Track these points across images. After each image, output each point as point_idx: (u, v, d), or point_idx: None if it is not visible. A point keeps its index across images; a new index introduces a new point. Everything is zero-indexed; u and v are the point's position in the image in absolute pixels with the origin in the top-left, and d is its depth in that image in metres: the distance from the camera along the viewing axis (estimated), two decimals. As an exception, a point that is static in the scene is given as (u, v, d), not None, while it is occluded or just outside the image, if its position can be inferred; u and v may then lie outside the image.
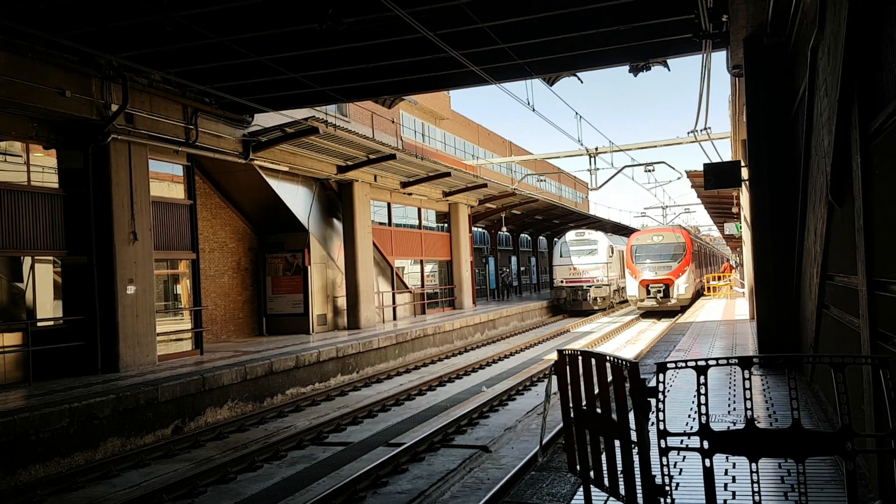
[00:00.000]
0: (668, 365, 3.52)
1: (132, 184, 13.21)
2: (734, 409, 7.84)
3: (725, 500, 4.89)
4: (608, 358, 3.86)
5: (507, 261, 40.88)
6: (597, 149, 27.57)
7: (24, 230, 11.96)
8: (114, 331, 12.75)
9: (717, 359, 3.45)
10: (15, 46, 10.93)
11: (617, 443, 3.81)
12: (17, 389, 11.01)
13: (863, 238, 4.70)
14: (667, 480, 3.47)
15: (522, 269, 43.77)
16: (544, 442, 5.10)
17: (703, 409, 3.36)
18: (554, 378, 4.44)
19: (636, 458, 3.58)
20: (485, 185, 26.71)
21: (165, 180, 14.79)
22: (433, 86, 15.75)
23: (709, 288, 36.16)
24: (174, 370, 12.59)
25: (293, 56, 12.41)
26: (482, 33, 11.51)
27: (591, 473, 4.19)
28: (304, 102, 16.08)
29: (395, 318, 23.68)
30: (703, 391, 3.39)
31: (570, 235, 34.69)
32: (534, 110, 16.63)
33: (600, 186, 28.35)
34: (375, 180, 21.54)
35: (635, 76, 13.68)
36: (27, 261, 12.34)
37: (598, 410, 4.03)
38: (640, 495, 3.60)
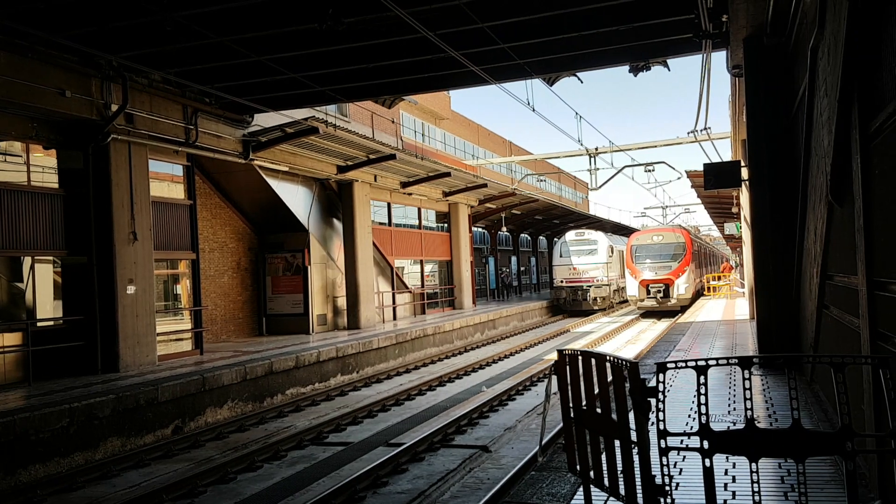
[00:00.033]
0: (668, 365, 3.52)
1: (132, 184, 13.21)
2: (734, 409, 7.84)
3: (725, 500, 4.89)
4: (608, 358, 3.86)
5: (507, 261, 40.89)
6: (597, 149, 27.57)
7: (24, 230, 11.97)
8: (114, 331, 12.75)
9: (717, 359, 3.45)
10: (15, 46, 10.93)
11: (617, 443, 3.81)
12: (17, 389, 11.01)
13: (863, 238, 4.70)
14: (667, 480, 3.47)
15: (522, 269, 43.77)
16: (544, 442, 5.10)
17: (703, 409, 3.36)
18: (554, 378, 4.44)
19: (636, 458, 3.58)
20: (485, 185, 26.72)
21: (165, 180, 14.79)
22: (433, 86, 15.75)
23: (709, 288, 36.16)
24: (174, 370, 12.59)
25: (293, 56, 12.41)
26: (482, 33, 11.51)
27: (591, 473, 4.19)
28: (304, 102, 16.08)
29: (395, 318, 23.68)
30: (703, 391, 3.39)
31: (570, 235, 34.68)
32: (534, 110, 16.64)
33: (600, 186, 28.36)
34: (375, 180, 21.54)
35: (635, 76, 13.69)
36: (27, 261, 12.34)
37: (598, 410, 4.03)
38: (640, 495, 3.60)
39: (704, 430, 3.34)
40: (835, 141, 5.33)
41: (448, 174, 23.31)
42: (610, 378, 3.86)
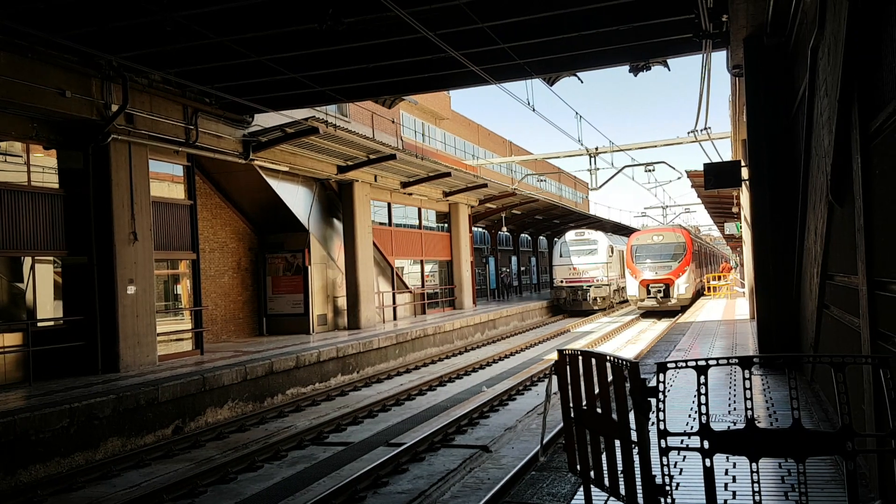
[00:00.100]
0: (669, 365, 3.52)
1: (132, 184, 13.22)
2: (734, 408, 7.84)
3: (726, 500, 4.89)
4: (608, 358, 3.86)
5: (508, 261, 40.89)
6: (597, 149, 27.57)
7: (24, 230, 11.97)
8: (114, 331, 12.76)
9: (717, 359, 3.45)
10: (15, 46, 10.94)
11: (617, 443, 3.82)
12: (17, 389, 11.01)
13: (863, 238, 4.70)
14: (667, 480, 3.47)
15: (522, 269, 43.77)
16: (545, 441, 5.10)
17: (704, 409, 3.36)
18: (554, 378, 4.44)
19: (636, 458, 3.58)
20: (485, 185, 26.72)
21: (165, 180, 14.80)
22: (433, 86, 15.75)
23: (709, 288, 36.16)
24: (174, 370, 12.59)
25: (293, 56, 12.41)
26: (482, 33, 11.51)
27: (592, 473, 4.19)
28: (304, 102, 16.08)
29: (395, 318, 23.68)
30: (703, 391, 3.39)
31: (570, 235, 34.67)
32: (534, 110, 16.63)
33: (600, 186, 28.36)
34: (375, 180, 21.54)
35: (635, 76, 13.69)
36: (27, 261, 12.34)
37: (599, 410, 4.03)
38: (640, 495, 3.60)
39: (705, 430, 3.34)
40: (835, 141, 5.33)
41: (448, 174, 23.31)
42: (610, 378, 3.86)
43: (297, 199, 19.11)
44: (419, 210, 26.19)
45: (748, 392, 3.39)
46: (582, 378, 4.18)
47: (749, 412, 3.32)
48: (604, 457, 4.04)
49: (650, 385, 3.54)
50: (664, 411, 3.44)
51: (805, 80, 7.49)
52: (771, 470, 5.48)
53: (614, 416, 3.81)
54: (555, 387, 4.41)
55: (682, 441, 3.70)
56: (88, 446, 9.67)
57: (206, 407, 11.82)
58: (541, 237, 47.38)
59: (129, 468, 9.37)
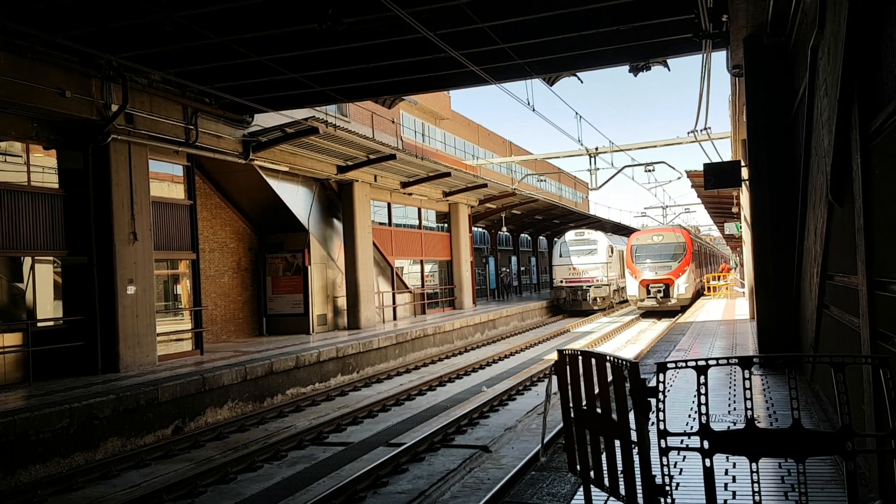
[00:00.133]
0: (669, 365, 3.52)
1: (132, 184, 13.22)
2: (734, 409, 7.84)
3: (726, 500, 4.89)
4: (608, 358, 3.86)
5: (508, 261, 40.89)
6: (597, 149, 27.57)
7: (24, 230, 11.97)
8: (114, 331, 12.75)
9: (717, 359, 3.45)
10: (15, 46, 10.94)
11: (617, 443, 3.82)
12: (17, 390, 11.01)
13: (863, 238, 4.70)
14: (667, 480, 3.47)
15: (522, 269, 43.76)
16: (545, 441, 5.10)
17: (704, 409, 3.36)
18: (554, 378, 4.44)
19: (636, 458, 3.58)
20: (485, 185, 26.72)
21: (165, 180, 14.79)
22: (433, 86, 15.75)
23: (709, 288, 36.17)
24: (174, 370, 12.59)
25: (293, 56, 12.41)
26: (482, 33, 11.51)
27: (592, 473, 4.19)
28: (304, 102, 16.08)
29: (395, 318, 23.68)
30: (703, 391, 3.39)
31: (570, 235, 34.67)
32: (534, 110, 16.63)
33: (600, 186, 28.37)
34: (375, 180, 21.54)
35: (635, 76, 13.69)
36: (27, 261, 12.34)
37: (599, 410, 4.03)
38: (640, 495, 3.60)
39: (704, 430, 3.34)
40: (835, 141, 5.33)
41: (448, 174, 23.31)
42: (610, 378, 3.86)
43: (297, 199, 19.11)
44: (419, 210, 26.19)
45: (748, 392, 3.39)
46: (582, 378, 4.18)
47: (749, 412, 3.32)
48: (604, 457, 4.04)
49: (650, 385, 3.54)
50: (664, 411, 3.44)
51: (805, 80, 7.49)
52: (771, 470, 5.48)
53: (614, 416, 3.81)
54: (555, 387, 4.41)
55: (682, 441, 3.70)
56: (88, 446, 9.67)
57: (206, 407, 11.82)
58: (541, 237, 47.38)
59: (128, 468, 9.37)
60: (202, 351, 15.13)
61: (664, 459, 3.41)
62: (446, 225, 28.37)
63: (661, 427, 3.40)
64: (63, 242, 12.66)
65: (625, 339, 23.24)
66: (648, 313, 31.48)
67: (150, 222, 13.61)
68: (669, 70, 14.16)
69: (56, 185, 12.69)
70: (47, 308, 12.68)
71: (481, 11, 10.75)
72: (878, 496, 4.61)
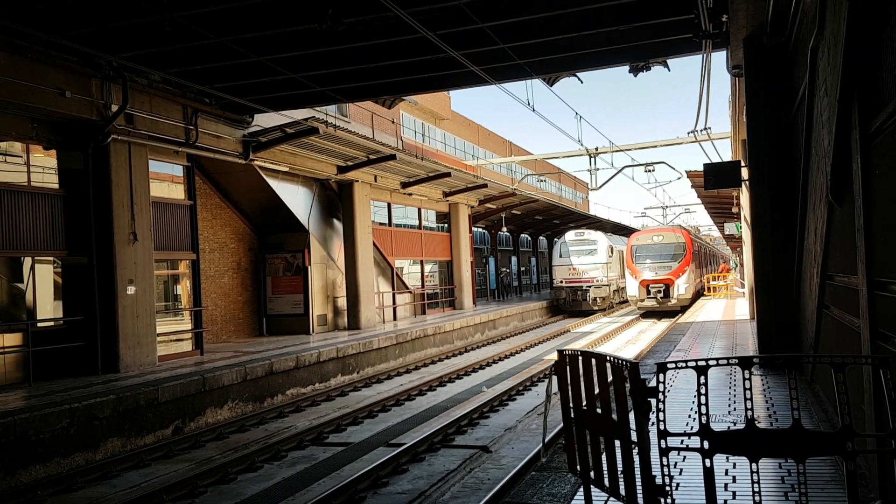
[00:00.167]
0: (669, 365, 3.52)
1: (132, 184, 13.22)
2: (734, 409, 7.84)
3: (726, 501, 4.89)
4: (608, 358, 3.86)
5: (508, 261, 40.88)
6: (597, 149, 27.58)
7: (24, 230, 11.97)
8: (114, 331, 12.75)
9: (717, 359, 3.45)
10: (15, 47, 10.94)
11: (617, 443, 3.81)
12: (17, 390, 11.01)
13: (863, 238, 4.70)
14: (667, 480, 3.46)
15: (522, 269, 43.76)
16: (545, 441, 5.10)
17: (704, 410, 3.36)
18: (554, 378, 4.44)
19: (636, 459, 3.58)
20: (485, 186, 26.72)
21: (165, 181, 14.79)
22: (433, 86, 15.75)
23: (709, 288, 36.16)
24: (174, 370, 12.59)
25: (293, 56, 12.41)
26: (482, 33, 11.51)
27: (592, 473, 4.19)
28: (304, 103, 16.08)
29: (395, 319, 23.68)
30: (703, 391, 3.39)
31: (570, 235, 34.66)
32: (534, 110, 16.63)
33: (600, 186, 28.37)
34: (375, 180, 21.54)
35: (635, 76, 13.69)
36: (27, 261, 12.34)
37: (599, 410, 4.03)
38: (640, 495, 3.60)
39: (705, 431, 3.34)
40: (835, 141, 5.33)
41: (448, 174, 23.31)
42: (610, 378, 3.86)
43: (297, 200, 19.11)
44: (419, 210, 26.19)
45: (748, 392, 3.39)
46: (582, 378, 4.18)
47: (749, 412, 3.32)
48: (604, 457, 4.03)
49: (650, 385, 3.54)
50: (664, 411, 3.44)
51: (805, 80, 7.49)
52: (771, 470, 5.48)
53: (614, 416, 3.81)
54: (555, 387, 4.41)
55: (682, 441, 3.70)
56: (88, 447, 9.67)
57: (206, 407, 11.82)
58: (541, 237, 47.38)
59: (128, 468, 9.37)
60: (202, 351, 15.13)
61: (664, 460, 3.41)
62: (446, 225, 28.37)
63: (661, 427, 3.40)
64: (63, 243, 12.66)
65: (625, 339, 23.23)
66: (648, 313, 31.48)
67: (150, 222, 13.61)
68: (669, 70, 14.17)
69: (56, 186, 12.69)
70: (47, 308, 12.68)
71: (481, 12, 10.75)
72: (879, 496, 4.61)
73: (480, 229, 36.02)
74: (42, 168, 12.57)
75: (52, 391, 10.72)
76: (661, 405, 3.44)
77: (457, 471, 8.61)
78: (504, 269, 39.71)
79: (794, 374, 3.42)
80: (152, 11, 10.10)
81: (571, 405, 4.30)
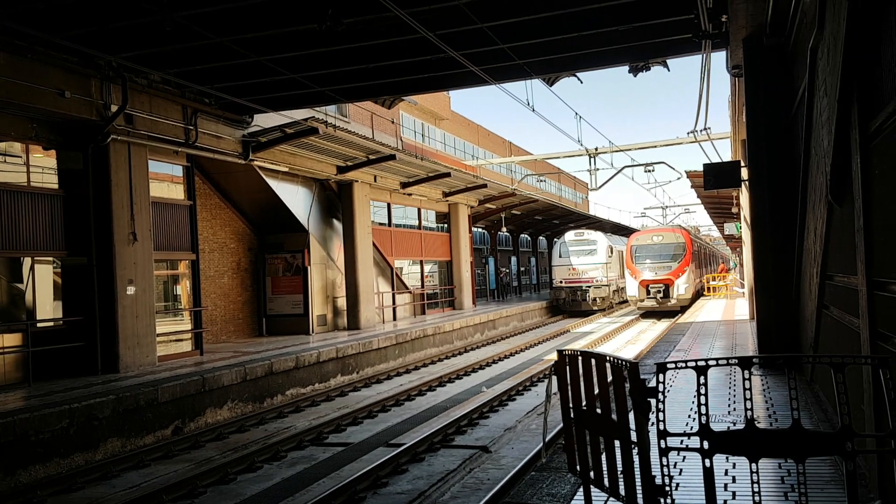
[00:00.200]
0: (668, 365, 3.52)
1: (132, 184, 13.21)
2: (734, 409, 7.84)
3: (725, 501, 4.89)
4: (608, 358, 3.86)
5: (507, 261, 40.89)
6: (596, 149, 27.58)
7: (23, 231, 11.96)
8: (113, 331, 12.75)
9: (717, 359, 3.45)
10: (14, 47, 10.93)
11: (617, 443, 3.81)
12: (16, 390, 11.00)
13: (862, 238, 4.70)
14: (667, 481, 3.46)
15: (522, 269, 43.76)
16: (546, 441, 5.10)
17: (703, 410, 3.36)
18: (554, 378, 4.44)
19: (636, 459, 3.58)
20: (485, 186, 26.72)
21: (165, 181, 14.79)
22: (433, 86, 15.75)
23: (709, 288, 36.17)
24: (174, 371, 12.59)
25: (293, 56, 12.41)
26: (482, 34, 11.51)
27: (591, 474, 4.18)
28: (303, 103, 16.08)
29: (394, 319, 23.68)
30: (703, 391, 3.39)
31: (569, 235, 34.65)
32: (534, 110, 16.63)
33: (600, 187, 28.38)
34: (375, 181, 21.54)
35: (635, 76, 13.68)
36: (27, 261, 12.34)
37: (598, 411, 4.03)
38: (640, 495, 3.60)
39: (704, 431, 3.34)
40: (834, 141, 5.33)
41: (448, 174, 23.31)
42: (610, 378, 3.86)
43: (297, 200, 19.11)
44: (419, 210, 26.19)
45: (748, 392, 3.39)
46: (582, 378, 4.18)
47: (749, 412, 3.32)
48: (603, 457, 4.03)
49: (650, 385, 3.54)
50: (664, 412, 3.44)
51: (804, 80, 7.49)
52: (771, 470, 5.48)
53: (614, 416, 3.81)
54: (555, 387, 4.41)
55: (681, 441, 3.70)
56: (88, 447, 9.67)
57: (206, 407, 11.82)
58: (540, 237, 47.39)
59: (128, 469, 9.37)
60: (202, 351, 15.13)
61: (664, 460, 3.41)
62: (446, 225, 28.37)
63: (661, 427, 3.40)
64: (63, 243, 12.65)
65: (624, 339, 23.23)
66: (648, 314, 31.48)
67: (149, 223, 13.60)
68: (669, 70, 14.17)
69: (56, 186, 12.69)
70: (47, 308, 12.67)
71: (481, 12, 10.75)
72: (878, 496, 4.61)
73: (480, 229, 36.02)
74: (42, 168, 12.57)
75: (51, 391, 10.71)
76: (660, 405, 3.44)
77: (456, 471, 8.61)
78: (504, 270, 39.71)
79: (793, 374, 3.42)
80: (152, 11, 10.09)
81: (571, 405, 4.30)
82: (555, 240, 37.64)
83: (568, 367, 4.31)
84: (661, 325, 26.46)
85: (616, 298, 35.27)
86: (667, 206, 48.80)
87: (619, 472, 3.92)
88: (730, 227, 33.28)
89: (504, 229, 38.02)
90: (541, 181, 55.66)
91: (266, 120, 16.97)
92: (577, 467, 4.33)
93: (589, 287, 32.90)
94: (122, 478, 9.02)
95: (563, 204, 43.52)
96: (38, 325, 12.39)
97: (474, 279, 30.90)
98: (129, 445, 10.26)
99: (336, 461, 9.34)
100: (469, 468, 8.73)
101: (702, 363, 3.41)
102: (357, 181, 20.44)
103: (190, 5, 10.06)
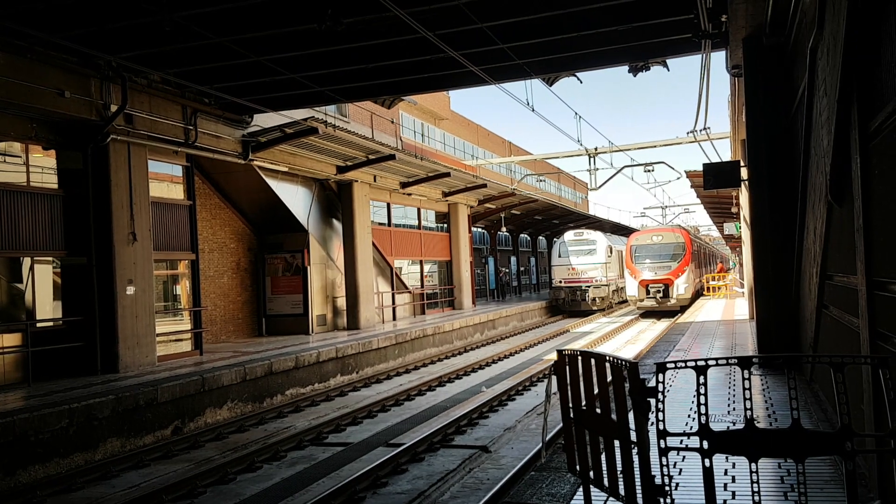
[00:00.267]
0: (668, 365, 3.52)
1: (131, 184, 13.21)
2: (734, 409, 7.84)
3: (725, 500, 4.89)
4: (608, 358, 3.86)
5: (507, 261, 40.89)
6: (596, 149, 27.59)
7: (23, 231, 11.96)
8: (113, 331, 12.75)
9: (716, 359, 3.45)
10: (14, 47, 10.93)
11: (617, 443, 3.81)
12: (16, 390, 11.00)
13: (862, 238, 4.70)
14: (666, 480, 3.46)
15: (522, 269, 43.76)
16: (545, 441, 5.10)
17: (703, 409, 3.36)
18: (554, 378, 4.44)
19: (636, 458, 3.58)
20: (484, 186, 26.72)
21: (165, 181, 14.79)
22: (433, 86, 15.75)
23: (708, 288, 36.17)
24: (174, 371, 12.59)
25: (292, 56, 12.41)
26: (482, 33, 11.51)
27: (591, 473, 4.19)
28: (303, 103, 16.08)
29: (394, 319, 23.68)
30: (702, 391, 3.39)
31: (569, 235, 34.64)
32: (533, 110, 16.63)
33: (600, 186, 28.39)
34: (375, 181, 21.54)
35: (635, 76, 13.69)
36: (27, 261, 12.33)
37: (598, 410, 4.03)
38: (639, 495, 3.60)
39: (704, 431, 3.34)
40: (834, 141, 5.33)
41: (447, 174, 23.31)
42: (609, 378, 3.86)
43: (297, 200, 19.11)
44: (418, 210, 26.19)
45: (747, 392, 3.39)
46: (581, 378, 4.18)
47: (748, 412, 3.32)
48: (603, 457, 4.03)
49: (649, 385, 3.54)
50: (663, 411, 3.44)
51: (804, 80, 7.50)
52: (770, 470, 5.48)
53: (614, 416, 3.81)
54: (554, 387, 4.41)
55: (681, 441, 3.70)
56: (88, 447, 9.66)
57: (206, 407, 11.82)
58: (540, 237, 47.40)
59: (128, 469, 9.37)
60: (202, 351, 15.12)
61: (664, 459, 3.41)
62: (446, 225, 28.37)
63: (661, 427, 3.40)
64: (62, 243, 12.65)
65: (624, 339, 23.24)
66: (648, 313, 31.48)
67: (149, 223, 13.60)
68: (669, 70, 14.17)
69: (55, 186, 12.69)
70: (47, 309, 12.67)
71: (481, 12, 10.75)
72: (878, 496, 4.61)
73: (480, 229, 36.02)
74: (41, 168, 12.56)
75: (51, 391, 10.71)
76: (660, 405, 3.44)
77: (456, 471, 8.61)
78: (503, 269, 39.71)
79: (793, 373, 3.42)
80: (152, 11, 10.09)
81: (571, 405, 4.30)
82: (554, 240, 37.63)
83: (568, 367, 4.31)
84: (661, 325, 26.47)
85: (615, 298, 35.26)
86: (666, 206, 48.88)
87: (618, 472, 3.92)
88: (729, 227, 33.28)
89: (504, 229, 38.03)
90: (540, 181, 55.66)
91: (266, 120, 16.97)
92: (577, 467, 4.33)
93: (588, 287, 32.90)
94: (122, 478, 9.02)
95: (563, 204, 43.52)
96: (38, 325, 12.39)
97: (474, 279, 30.90)
98: (128, 445, 10.25)
99: (336, 461, 9.34)
100: (469, 468, 8.74)
101: (701, 363, 3.41)
102: (357, 181, 20.43)
103: (190, 5, 10.05)
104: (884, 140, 4.23)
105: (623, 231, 48.39)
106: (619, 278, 34.72)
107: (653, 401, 3.48)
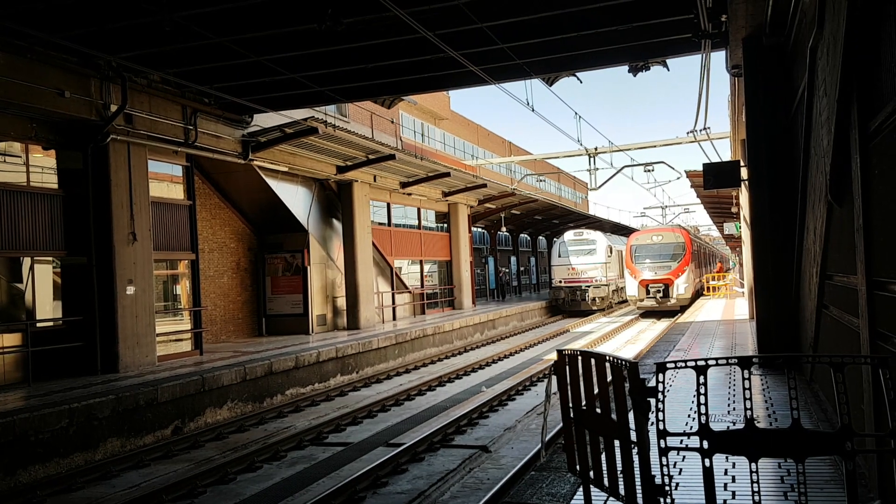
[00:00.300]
0: (668, 365, 3.52)
1: (131, 184, 13.21)
2: (734, 408, 7.84)
3: (725, 500, 4.89)
4: (608, 358, 3.86)
5: (507, 261, 40.89)
6: (596, 149, 27.59)
7: (23, 231, 11.96)
8: (113, 331, 12.75)
9: (716, 359, 3.45)
10: (14, 47, 10.93)
11: (617, 443, 3.81)
12: (16, 390, 11.00)
13: (862, 238, 4.70)
14: (666, 480, 3.46)
15: (522, 269, 43.76)
16: (545, 440, 5.10)
17: (703, 409, 3.36)
18: (554, 378, 4.44)
19: (636, 458, 3.58)
20: (484, 186, 26.72)
21: (165, 181, 14.79)
22: (433, 86, 15.75)
23: (708, 288, 36.17)
24: (174, 371, 12.59)
25: (292, 56, 12.41)
26: (481, 33, 11.51)
27: (591, 473, 4.19)
28: (303, 103, 16.08)
29: (394, 319, 23.68)
30: (702, 391, 3.39)
31: (569, 235, 34.63)
32: (533, 110, 16.63)
33: (600, 186, 28.40)
34: (375, 180, 21.54)
35: (634, 76, 13.69)
36: (27, 261, 12.33)
37: (598, 410, 4.03)
38: (639, 495, 3.60)
39: (704, 430, 3.34)
40: (834, 140, 5.33)
41: (447, 174, 23.31)
42: (609, 378, 3.86)
43: (297, 200, 19.11)
44: (418, 210, 26.19)
45: (747, 392, 3.39)
46: (581, 378, 4.18)
47: (748, 412, 3.32)
48: (603, 457, 4.04)
49: (649, 385, 3.54)
50: (663, 411, 3.44)
51: (804, 79, 7.50)
52: (770, 470, 5.48)
53: (614, 416, 3.81)
54: (554, 387, 4.41)
55: (681, 441, 3.70)
56: (88, 447, 9.66)
57: (206, 407, 11.82)
58: (540, 237, 47.40)
59: (128, 469, 9.37)
60: (202, 351, 15.12)
61: (664, 459, 3.41)
62: (446, 225, 28.37)
63: (661, 427, 3.40)
64: (62, 243, 12.65)
65: (624, 339, 23.24)
66: (648, 313, 31.48)
67: (149, 222, 13.60)
68: (669, 70, 14.17)
69: (55, 186, 12.69)
70: (47, 308, 12.67)
71: (481, 11, 10.75)
72: (878, 496, 4.61)
73: (480, 229, 36.02)
74: (41, 168, 12.56)
75: (51, 391, 10.71)
76: (660, 405, 3.44)
77: (456, 471, 8.61)
78: (503, 269, 39.71)
79: (793, 373, 3.42)
80: (152, 11, 10.09)
81: (571, 405, 4.31)
82: (554, 239, 37.63)
83: (568, 367, 4.31)
84: (661, 325, 26.47)
85: (615, 298, 35.26)
86: (666, 206, 48.86)
87: (618, 472, 3.92)
88: (729, 227, 33.28)
89: (504, 229, 38.03)
90: (540, 181, 55.66)
91: (266, 120, 16.97)
92: (577, 467, 4.33)
93: (588, 287, 32.90)
94: (122, 478, 9.02)
95: (563, 204, 43.52)
96: (38, 325, 12.39)
97: (474, 279, 30.90)
98: (128, 445, 10.26)
99: (336, 461, 9.34)
100: (469, 468, 8.74)
101: (701, 363, 3.41)
102: (357, 181, 20.43)
103: (189, 5, 10.05)
104: (884, 140, 4.23)
105: (623, 231, 48.39)
106: (619, 278, 34.72)
107: (653, 401, 3.48)
